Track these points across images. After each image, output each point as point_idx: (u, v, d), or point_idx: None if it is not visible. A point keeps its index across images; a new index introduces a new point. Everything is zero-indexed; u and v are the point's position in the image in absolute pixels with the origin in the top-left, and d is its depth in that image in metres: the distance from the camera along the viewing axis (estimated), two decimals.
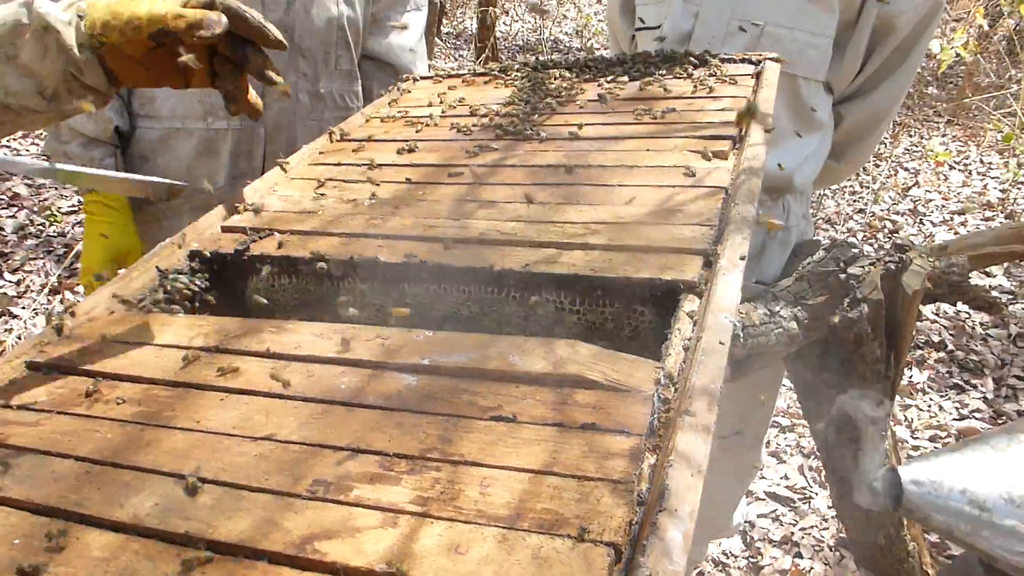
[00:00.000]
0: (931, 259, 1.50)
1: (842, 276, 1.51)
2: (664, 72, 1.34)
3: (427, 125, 1.28)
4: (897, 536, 1.86)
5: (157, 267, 0.94)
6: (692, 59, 1.34)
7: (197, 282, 0.93)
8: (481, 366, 0.69)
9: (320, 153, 1.25)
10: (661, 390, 0.64)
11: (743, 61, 1.32)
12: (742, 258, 0.77)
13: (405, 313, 0.84)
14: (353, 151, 1.23)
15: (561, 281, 0.82)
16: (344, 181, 1.12)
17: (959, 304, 1.62)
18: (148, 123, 1.59)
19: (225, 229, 1.03)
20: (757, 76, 1.27)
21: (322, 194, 1.08)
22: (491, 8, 6.42)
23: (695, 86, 1.25)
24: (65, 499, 0.62)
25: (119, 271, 1.58)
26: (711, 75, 1.28)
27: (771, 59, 1.31)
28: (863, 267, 1.50)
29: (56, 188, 4.90)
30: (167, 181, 1.04)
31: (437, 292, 0.87)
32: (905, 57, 1.73)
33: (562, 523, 0.52)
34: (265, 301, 0.85)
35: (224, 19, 0.82)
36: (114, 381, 0.76)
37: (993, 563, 1.06)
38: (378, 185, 1.09)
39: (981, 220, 4.91)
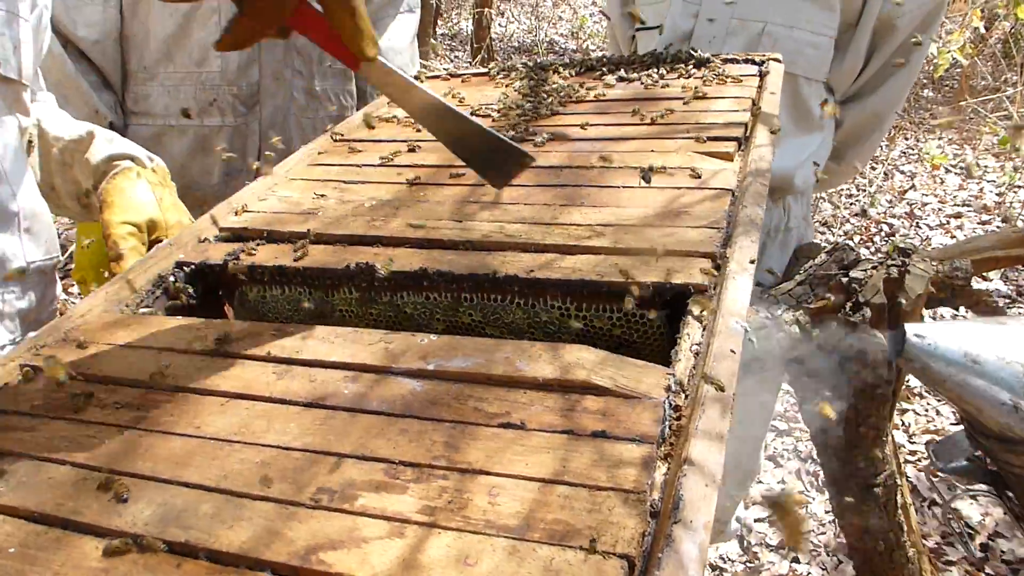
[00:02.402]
0: (934, 263, 1.49)
1: (844, 280, 1.50)
2: (667, 72, 1.33)
3: None
4: (897, 543, 1.86)
5: (154, 272, 0.93)
6: (695, 59, 1.33)
7: (191, 289, 0.92)
8: (487, 371, 0.67)
9: (319, 153, 1.23)
10: (672, 396, 0.62)
11: (746, 61, 1.31)
12: (751, 262, 0.76)
13: None
14: (353, 152, 1.21)
15: (567, 286, 0.80)
16: (344, 182, 1.11)
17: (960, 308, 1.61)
18: (141, 120, 1.58)
19: (223, 231, 1.01)
20: (761, 76, 1.26)
21: (322, 195, 1.07)
22: (486, 9, 6.40)
23: (698, 86, 1.24)
24: (62, 506, 0.60)
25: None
26: (715, 75, 1.27)
27: (774, 59, 1.30)
28: (865, 271, 1.49)
29: None
30: None
31: (437, 300, 0.85)
32: (906, 59, 1.72)
33: (573, 534, 0.51)
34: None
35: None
36: (112, 385, 0.74)
37: (979, 416, 1.16)
38: (379, 184, 1.07)
39: (977, 224, 4.91)
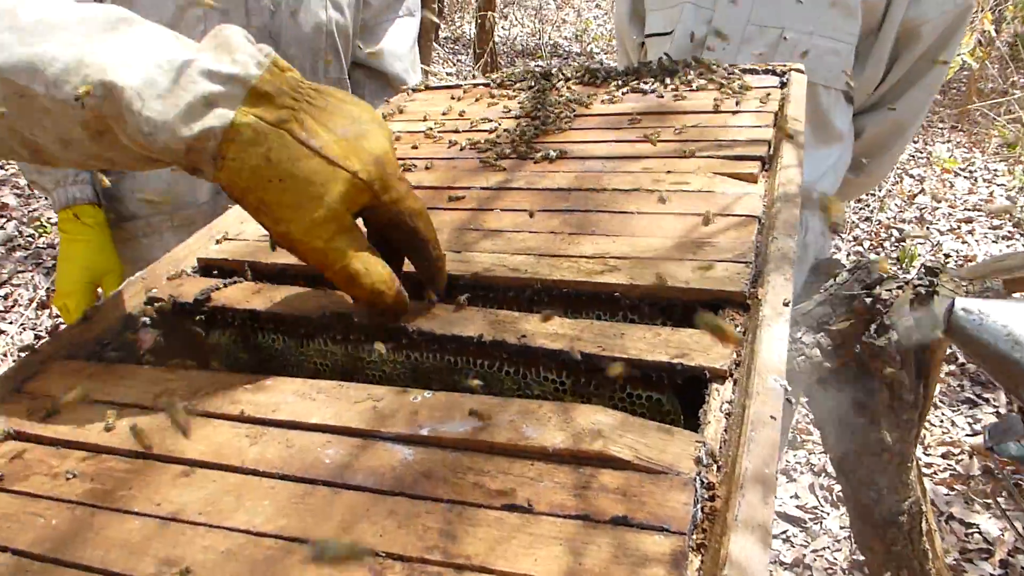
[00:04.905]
0: (963, 282, 1.40)
1: (868, 300, 1.41)
2: (680, 83, 1.24)
3: (425, 140, 1.18)
4: (921, 570, 1.77)
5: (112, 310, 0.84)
6: (711, 69, 1.25)
7: (160, 329, 0.83)
8: (489, 438, 0.58)
9: None
10: (703, 471, 0.54)
11: (766, 72, 1.22)
12: (786, 304, 0.67)
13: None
14: None
15: (561, 358, 0.69)
16: None
17: None
18: None
19: (201, 262, 0.93)
20: (782, 88, 1.17)
21: None
22: (490, 12, 6.32)
23: (716, 100, 1.15)
24: None
25: (98, 292, 1.49)
26: (733, 88, 1.18)
27: (796, 70, 1.21)
28: (891, 290, 1.40)
29: (47, 198, 4.78)
30: None
31: (417, 359, 0.76)
32: (930, 67, 1.64)
33: None
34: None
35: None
36: (65, 449, 0.66)
37: (1019, 396, 1.15)
38: None
39: (989, 228, 4.82)
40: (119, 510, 0.58)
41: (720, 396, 0.62)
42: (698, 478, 0.53)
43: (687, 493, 0.52)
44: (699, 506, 0.52)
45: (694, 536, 0.50)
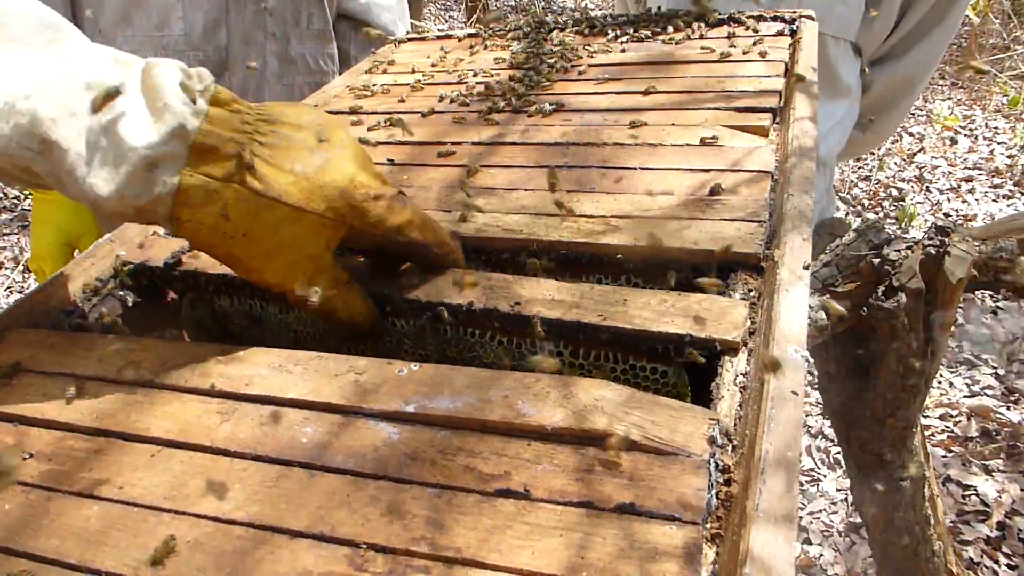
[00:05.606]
0: (976, 243, 1.35)
1: (876, 261, 1.36)
2: (684, 31, 1.17)
3: (413, 93, 1.11)
4: (923, 536, 1.75)
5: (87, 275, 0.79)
6: (716, 17, 1.17)
7: (131, 294, 0.77)
8: (481, 415, 0.53)
9: None
10: (718, 452, 0.49)
11: (775, 19, 1.15)
12: (805, 267, 0.62)
13: None
14: None
15: (560, 327, 0.64)
16: None
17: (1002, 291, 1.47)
18: None
19: None
20: (792, 35, 1.11)
21: None
22: None
23: (722, 48, 1.08)
24: None
25: (75, 255, 1.43)
26: (740, 35, 1.11)
27: (806, 16, 1.14)
28: (900, 251, 1.35)
29: None
30: None
31: (404, 328, 0.71)
32: (943, 16, 1.56)
33: None
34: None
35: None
36: (23, 426, 0.60)
37: None
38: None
39: (989, 188, 4.75)
40: (78, 494, 0.53)
41: (734, 368, 0.57)
42: (712, 460, 0.48)
43: (700, 477, 0.47)
44: (714, 492, 0.47)
45: (708, 525, 0.45)
